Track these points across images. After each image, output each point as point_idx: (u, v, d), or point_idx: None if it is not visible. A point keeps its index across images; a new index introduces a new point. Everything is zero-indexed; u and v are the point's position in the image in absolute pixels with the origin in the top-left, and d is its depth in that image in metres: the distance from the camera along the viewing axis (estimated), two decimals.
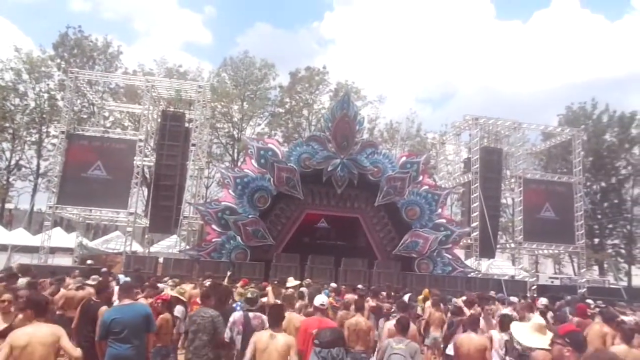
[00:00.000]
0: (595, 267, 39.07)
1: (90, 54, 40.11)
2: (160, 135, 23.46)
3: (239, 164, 37.75)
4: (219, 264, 18.25)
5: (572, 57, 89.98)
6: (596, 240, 39.45)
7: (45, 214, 23.57)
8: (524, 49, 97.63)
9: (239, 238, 18.95)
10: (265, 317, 6.05)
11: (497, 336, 6.40)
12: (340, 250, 19.82)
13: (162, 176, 22.73)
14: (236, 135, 42.07)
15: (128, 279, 9.74)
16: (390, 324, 6.59)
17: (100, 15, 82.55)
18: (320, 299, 5.77)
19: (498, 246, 26.69)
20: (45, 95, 37.95)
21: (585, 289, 23.60)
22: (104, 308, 6.27)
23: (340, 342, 3.80)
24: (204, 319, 5.60)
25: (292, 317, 6.20)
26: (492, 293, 14.11)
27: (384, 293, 11.60)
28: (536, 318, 4.63)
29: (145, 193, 32.10)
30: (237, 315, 5.90)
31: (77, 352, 4.37)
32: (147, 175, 30.76)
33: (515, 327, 4.83)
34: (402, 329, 5.68)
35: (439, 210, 20.90)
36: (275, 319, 5.09)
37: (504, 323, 6.48)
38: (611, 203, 40.74)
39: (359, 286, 13.39)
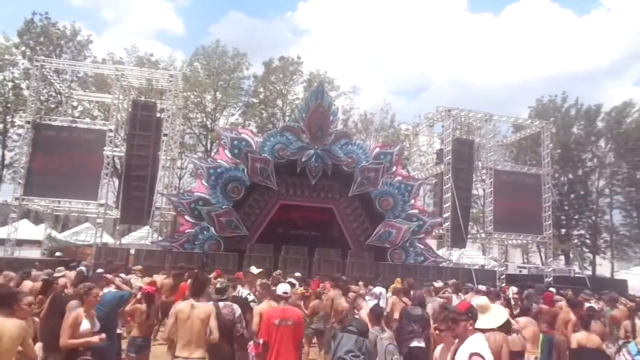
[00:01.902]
0: (562, 257, 40.21)
1: (58, 42, 38.77)
2: (131, 125, 23.03)
3: (212, 154, 37.29)
4: (192, 255, 18.09)
5: (543, 51, 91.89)
6: (563, 231, 40.54)
7: (11, 206, 22.92)
8: (495, 41, 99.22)
9: (212, 229, 18.80)
10: (235, 306, 6.09)
11: None
12: (314, 240, 19.82)
13: (133, 167, 22.35)
14: (209, 126, 41.54)
15: (83, 269, 9.57)
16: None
17: (68, 3, 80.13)
18: (283, 288, 5.75)
19: (469, 236, 27.21)
20: (10, 84, 36.62)
21: (551, 278, 24.25)
22: (73, 302, 6.15)
23: (366, 334, 4.10)
24: None
25: (272, 304, 6.18)
26: (452, 282, 14.22)
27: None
28: (479, 299, 4.65)
29: (116, 184, 31.47)
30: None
31: (36, 357, 4.35)
32: (118, 166, 30.14)
33: None
34: (376, 318, 5.74)
35: (412, 201, 21.15)
36: (197, 290, 5.50)
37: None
38: (577, 194, 41.90)
39: (344, 277, 13.34)
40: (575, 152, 41.40)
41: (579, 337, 6.47)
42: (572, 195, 42.06)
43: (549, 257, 28.27)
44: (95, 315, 5.42)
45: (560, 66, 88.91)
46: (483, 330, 3.86)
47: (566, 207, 40.66)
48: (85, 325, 5.19)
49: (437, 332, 3.86)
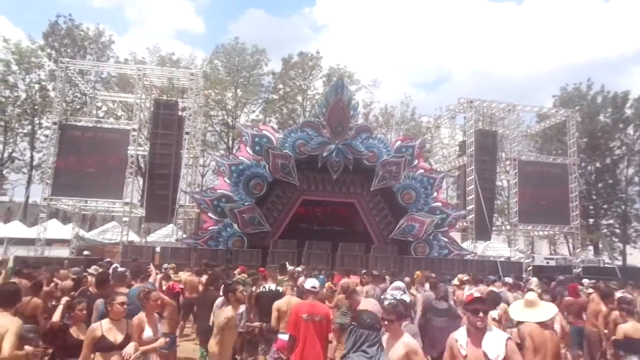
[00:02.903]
0: (590, 247, 39.39)
1: (82, 43, 39.52)
2: (154, 124, 23.31)
3: (234, 151, 37.56)
4: (216, 252, 18.28)
5: (567, 38, 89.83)
6: (591, 221, 39.63)
7: (40, 206, 23.47)
8: (518, 30, 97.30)
9: (235, 225, 18.95)
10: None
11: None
12: (337, 235, 19.85)
13: (157, 165, 22.64)
14: (230, 123, 41.81)
15: (123, 268, 9.73)
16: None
17: (90, 4, 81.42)
18: (311, 282, 5.75)
19: (494, 228, 26.86)
20: (36, 86, 37.43)
21: (580, 269, 23.79)
22: (99, 301, 6.25)
23: (377, 326, 3.92)
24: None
25: (292, 300, 6.22)
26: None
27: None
28: (528, 295, 4.74)
29: (141, 183, 31.96)
30: (220, 300, 6.08)
31: (4, 354, 4.06)
32: (142, 165, 30.59)
33: (512, 305, 5.02)
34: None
35: (435, 194, 20.98)
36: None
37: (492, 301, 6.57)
38: (605, 183, 40.87)
39: (374, 272, 13.36)
40: (603, 140, 40.37)
41: (625, 328, 6.26)
42: (599, 185, 41.05)
43: (577, 248, 27.70)
44: (157, 319, 5.19)
45: (585, 53, 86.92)
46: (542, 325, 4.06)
47: (594, 197, 39.73)
48: (147, 332, 4.89)
49: (385, 322, 3.94)
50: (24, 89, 37.33)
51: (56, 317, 5.22)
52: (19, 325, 4.03)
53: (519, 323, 4.84)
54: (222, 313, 5.45)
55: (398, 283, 9.15)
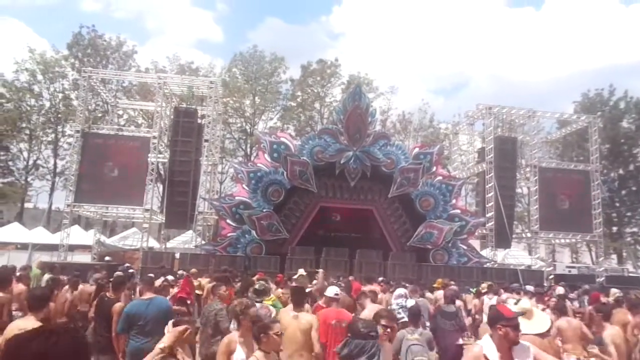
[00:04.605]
0: (614, 256, 38.54)
1: (104, 53, 40.45)
2: (174, 131, 23.62)
3: (252, 158, 37.84)
4: (234, 258, 18.40)
5: (587, 43, 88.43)
6: (614, 229, 38.85)
7: (63, 212, 23.93)
8: (537, 36, 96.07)
9: (253, 232, 19.05)
10: (273, 308, 6.20)
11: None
12: (354, 242, 19.81)
13: (177, 172, 22.90)
14: (249, 130, 42.16)
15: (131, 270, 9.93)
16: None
17: (111, 15, 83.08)
18: (333, 290, 5.79)
19: (514, 236, 26.51)
20: (60, 95, 38.41)
21: (603, 278, 23.30)
22: (119, 304, 6.36)
23: (374, 335, 3.72)
24: (209, 312, 5.96)
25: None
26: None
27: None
28: (523, 302, 4.55)
29: (160, 189, 32.39)
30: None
31: None
32: (162, 172, 31.01)
33: None
34: (414, 319, 5.79)
35: (453, 201, 20.81)
36: (298, 300, 5.46)
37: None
38: (629, 190, 40.07)
39: (380, 279, 13.44)
40: (626, 146, 39.68)
41: None
42: (623, 192, 40.26)
43: (600, 257, 27.15)
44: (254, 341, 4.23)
45: (606, 59, 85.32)
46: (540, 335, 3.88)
47: (617, 204, 38.97)
48: (239, 355, 4.11)
49: (388, 329, 3.90)
50: (48, 98, 38.39)
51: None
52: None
53: None
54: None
55: (400, 290, 9.13)
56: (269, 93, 42.82)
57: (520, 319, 4.19)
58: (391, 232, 20.36)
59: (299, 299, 5.53)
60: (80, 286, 9.18)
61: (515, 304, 4.44)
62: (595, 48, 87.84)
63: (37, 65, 37.35)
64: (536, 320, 4.19)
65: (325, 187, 20.12)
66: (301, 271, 9.24)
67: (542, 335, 4.44)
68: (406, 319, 6.11)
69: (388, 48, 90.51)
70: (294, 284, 8.17)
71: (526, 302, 4.62)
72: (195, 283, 10.22)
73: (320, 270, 10.17)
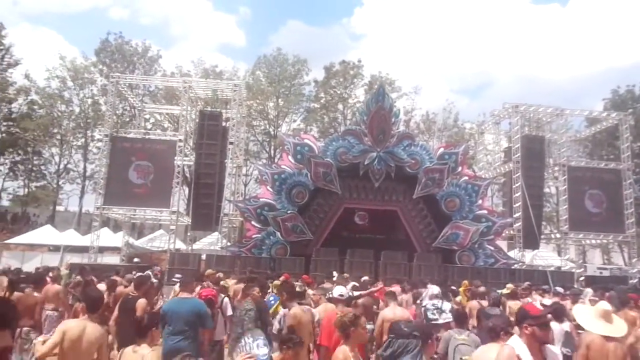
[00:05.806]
0: None
1: (131, 58, 41.32)
2: (199, 134, 23.94)
3: (276, 160, 38.05)
4: (259, 260, 18.52)
5: (615, 40, 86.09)
6: None
7: (93, 215, 24.50)
8: (563, 33, 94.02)
9: (278, 234, 19.15)
10: (314, 311, 6.19)
11: (557, 327, 6.18)
12: (379, 243, 19.67)
13: (202, 175, 23.19)
14: (272, 132, 42.42)
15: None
16: None
17: (138, 21, 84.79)
18: (339, 290, 5.77)
19: (542, 237, 25.99)
20: (89, 101, 39.43)
21: (636, 280, 22.64)
22: (142, 300, 6.51)
23: (417, 335, 3.74)
24: (240, 312, 6.12)
25: (328, 307, 6.27)
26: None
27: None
28: (603, 304, 4.47)
29: (187, 192, 32.85)
30: (285, 310, 6.20)
31: None
32: (188, 175, 31.46)
33: (579, 310, 4.71)
34: (460, 321, 5.76)
35: (479, 201, 20.52)
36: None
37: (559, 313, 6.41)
38: None
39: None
40: None
41: None
42: None
43: (633, 257, 26.36)
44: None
45: (634, 55, 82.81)
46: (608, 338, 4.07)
47: None
48: None
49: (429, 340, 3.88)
50: (77, 104, 39.42)
51: None
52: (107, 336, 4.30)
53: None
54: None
55: (434, 289, 8.99)
56: (292, 95, 43.01)
57: (598, 319, 4.13)
58: (416, 233, 20.19)
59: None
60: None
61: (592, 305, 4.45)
62: (623, 44, 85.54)
63: (68, 72, 38.40)
64: (616, 324, 4.11)
65: (349, 188, 20.09)
66: (335, 274, 9.29)
67: (610, 339, 4.30)
68: (448, 320, 6.07)
69: (410, 48, 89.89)
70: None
71: (606, 305, 4.58)
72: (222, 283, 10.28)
73: (336, 273, 10.13)
